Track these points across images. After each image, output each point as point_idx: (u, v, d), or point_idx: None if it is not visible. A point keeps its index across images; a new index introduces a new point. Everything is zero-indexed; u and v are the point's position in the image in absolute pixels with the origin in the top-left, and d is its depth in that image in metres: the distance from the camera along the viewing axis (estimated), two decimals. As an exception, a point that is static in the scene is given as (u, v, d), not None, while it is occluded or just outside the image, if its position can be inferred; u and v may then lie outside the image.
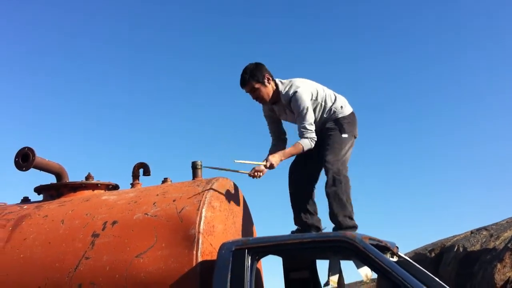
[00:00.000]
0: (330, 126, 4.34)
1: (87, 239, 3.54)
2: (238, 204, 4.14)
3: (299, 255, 4.07)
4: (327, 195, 4.05)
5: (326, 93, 4.41)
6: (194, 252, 3.28)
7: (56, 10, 23.20)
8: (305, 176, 4.44)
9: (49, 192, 4.36)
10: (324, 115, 4.37)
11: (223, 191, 3.86)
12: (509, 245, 9.48)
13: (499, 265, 9.23)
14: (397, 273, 2.95)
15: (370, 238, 3.22)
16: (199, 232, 3.35)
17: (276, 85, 4.38)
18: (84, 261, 3.43)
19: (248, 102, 4.44)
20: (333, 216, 4.01)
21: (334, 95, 4.46)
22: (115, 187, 4.53)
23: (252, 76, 4.32)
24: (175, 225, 3.43)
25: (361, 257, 3.09)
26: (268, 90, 4.35)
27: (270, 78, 4.35)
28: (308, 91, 4.29)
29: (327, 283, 3.41)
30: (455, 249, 10.76)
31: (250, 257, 3.20)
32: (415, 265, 3.51)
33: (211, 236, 3.46)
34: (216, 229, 3.56)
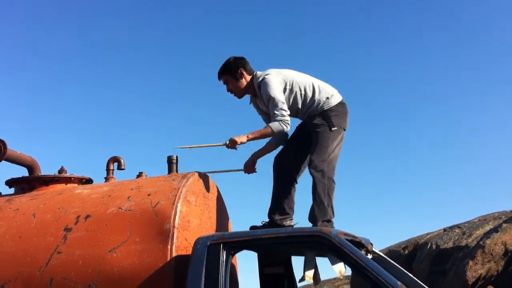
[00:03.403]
0: (318, 122, 4.15)
1: (59, 233, 3.47)
2: (213, 199, 4.12)
3: (275, 250, 4.06)
4: (313, 196, 3.97)
5: (307, 82, 4.24)
6: (169, 247, 3.25)
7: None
8: (294, 169, 4.30)
9: (21, 185, 4.28)
10: (307, 106, 4.20)
11: (199, 186, 3.84)
12: (481, 242, 9.65)
13: (471, 262, 9.39)
14: (372, 268, 2.96)
15: (345, 234, 3.22)
16: (174, 226, 3.32)
17: (252, 78, 4.32)
18: (56, 256, 3.37)
19: (226, 97, 4.39)
20: (312, 219, 3.95)
21: (318, 84, 4.26)
22: (89, 181, 4.46)
23: (225, 69, 4.33)
24: (149, 220, 3.39)
25: (336, 252, 3.09)
26: (239, 84, 4.31)
27: (244, 73, 4.30)
28: (278, 77, 4.18)
29: (302, 279, 3.41)
30: (428, 247, 10.92)
31: (225, 252, 3.18)
32: (390, 261, 3.53)
33: (186, 231, 3.43)
34: (191, 224, 3.53)
